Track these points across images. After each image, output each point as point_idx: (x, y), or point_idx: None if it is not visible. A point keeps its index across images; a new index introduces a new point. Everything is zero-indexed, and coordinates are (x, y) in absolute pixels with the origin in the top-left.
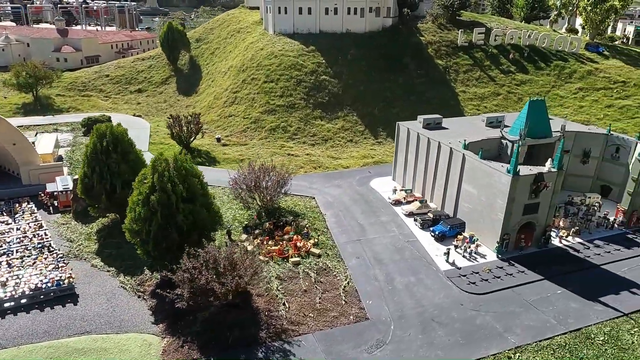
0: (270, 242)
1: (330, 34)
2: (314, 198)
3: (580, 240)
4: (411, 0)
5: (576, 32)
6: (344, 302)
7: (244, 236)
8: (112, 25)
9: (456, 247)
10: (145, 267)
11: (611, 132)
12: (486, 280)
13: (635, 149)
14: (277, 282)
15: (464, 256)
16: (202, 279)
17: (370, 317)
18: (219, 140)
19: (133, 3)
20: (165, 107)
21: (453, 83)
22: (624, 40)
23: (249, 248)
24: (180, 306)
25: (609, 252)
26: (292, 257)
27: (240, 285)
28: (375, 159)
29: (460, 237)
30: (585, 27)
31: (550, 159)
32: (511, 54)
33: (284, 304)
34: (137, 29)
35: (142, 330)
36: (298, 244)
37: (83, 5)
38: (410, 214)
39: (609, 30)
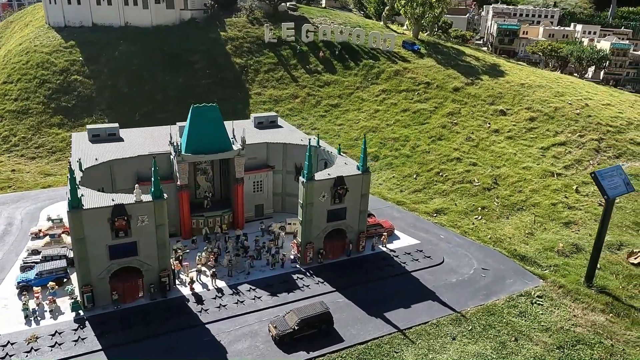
0: None
1: (106, 27)
2: None
3: (223, 285)
4: None
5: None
6: None
7: None
8: None
9: (24, 304)
10: None
11: (319, 145)
12: (13, 355)
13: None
14: None
15: (26, 316)
16: None
17: None
18: None
19: None
20: None
21: (249, 84)
22: (491, 40)
23: None
24: None
25: (242, 302)
26: None
27: None
28: None
29: (36, 289)
30: (407, 23)
31: (137, 186)
32: (321, 52)
33: None
34: None
35: None
36: None
37: None
38: (33, 252)
39: (483, 25)
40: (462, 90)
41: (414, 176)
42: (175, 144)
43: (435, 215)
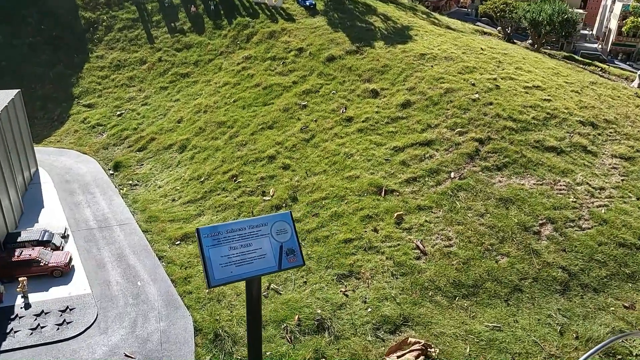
0: None
1: None
2: None
3: None
4: None
5: None
6: None
7: None
8: None
9: None
10: None
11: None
12: None
13: None
14: None
15: None
16: None
17: None
18: None
19: None
20: None
21: (93, 44)
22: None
23: None
24: None
25: None
26: None
27: None
28: None
29: None
30: None
31: None
32: (192, 7)
33: None
34: None
35: None
36: None
37: None
38: None
39: None
40: (337, 61)
41: (202, 180)
42: None
43: (178, 243)
